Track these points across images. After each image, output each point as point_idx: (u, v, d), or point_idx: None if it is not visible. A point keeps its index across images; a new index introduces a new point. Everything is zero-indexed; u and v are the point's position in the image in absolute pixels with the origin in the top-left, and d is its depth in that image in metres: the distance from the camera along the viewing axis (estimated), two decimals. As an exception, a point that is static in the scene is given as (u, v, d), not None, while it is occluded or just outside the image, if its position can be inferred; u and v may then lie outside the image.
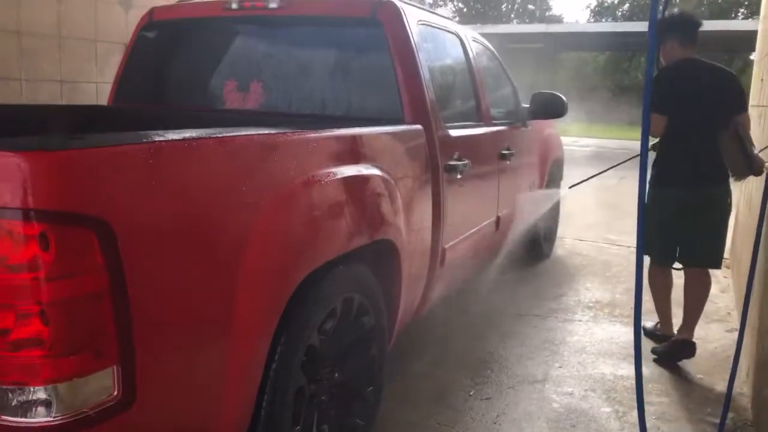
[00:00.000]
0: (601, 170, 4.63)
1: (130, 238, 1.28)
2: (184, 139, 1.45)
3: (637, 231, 1.99)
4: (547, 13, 44.21)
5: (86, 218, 1.21)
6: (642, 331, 3.69)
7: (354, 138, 2.18)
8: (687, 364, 3.35)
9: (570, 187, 4.92)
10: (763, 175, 2.91)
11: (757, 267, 2.79)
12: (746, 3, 30.35)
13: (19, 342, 1.18)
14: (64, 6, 4.78)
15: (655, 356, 3.41)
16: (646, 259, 3.57)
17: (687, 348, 3.33)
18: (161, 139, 1.39)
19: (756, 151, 3.05)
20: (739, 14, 33.05)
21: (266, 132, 1.73)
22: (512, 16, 43.91)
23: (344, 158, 2.08)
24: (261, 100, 3.05)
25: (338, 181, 1.98)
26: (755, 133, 3.52)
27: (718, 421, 2.77)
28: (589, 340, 3.68)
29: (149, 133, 1.40)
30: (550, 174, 5.06)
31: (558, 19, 44.31)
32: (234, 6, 3.10)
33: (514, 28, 26.37)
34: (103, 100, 5.09)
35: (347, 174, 2.04)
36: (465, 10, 43.23)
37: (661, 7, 3.21)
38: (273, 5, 3.03)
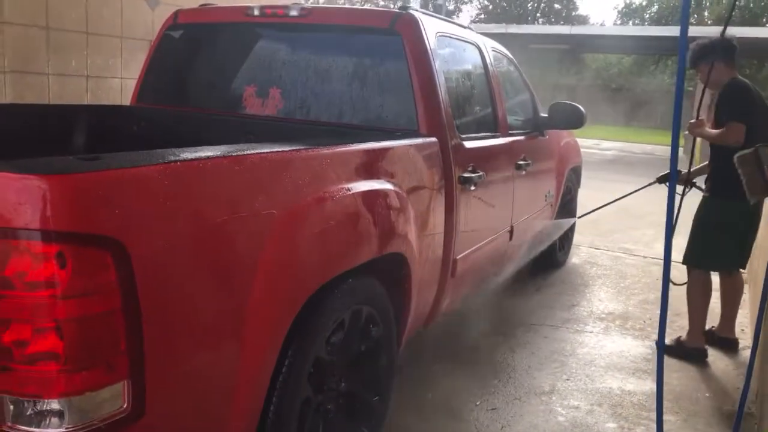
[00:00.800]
0: (614, 199, 4.70)
1: (144, 257, 1.32)
2: (198, 159, 1.49)
3: (665, 242, 2.03)
4: (573, 13, 43.76)
5: (101, 239, 1.26)
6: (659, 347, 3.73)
7: (367, 153, 2.21)
8: (694, 382, 3.35)
9: (579, 217, 4.94)
10: None
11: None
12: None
13: (35, 356, 1.23)
14: (92, 2, 4.86)
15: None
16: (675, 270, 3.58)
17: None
18: (175, 159, 1.44)
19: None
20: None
21: (279, 149, 1.77)
22: (538, 15, 43.54)
23: (357, 174, 2.11)
24: (279, 107, 3.09)
25: (350, 197, 2.02)
26: None
27: (724, 442, 2.78)
28: (599, 352, 3.68)
29: (164, 153, 1.44)
30: (567, 182, 5.04)
31: (584, 20, 43.87)
32: (256, 13, 3.14)
33: (539, 29, 26.16)
34: (128, 95, 5.18)
35: (359, 189, 2.08)
36: (491, 7, 42.95)
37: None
38: (294, 14, 3.07)
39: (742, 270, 3.81)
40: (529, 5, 42.97)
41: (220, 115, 3.19)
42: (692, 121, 3.59)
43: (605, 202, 5.02)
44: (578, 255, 5.82)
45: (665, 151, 19.55)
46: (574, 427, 2.86)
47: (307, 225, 1.81)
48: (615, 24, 40.56)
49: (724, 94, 3.39)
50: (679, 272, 5.43)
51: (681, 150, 17.79)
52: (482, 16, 43.43)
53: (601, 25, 36.73)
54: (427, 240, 2.64)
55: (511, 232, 3.77)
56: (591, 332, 4.00)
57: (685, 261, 3.72)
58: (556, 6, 43.42)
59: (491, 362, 3.47)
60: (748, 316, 4.22)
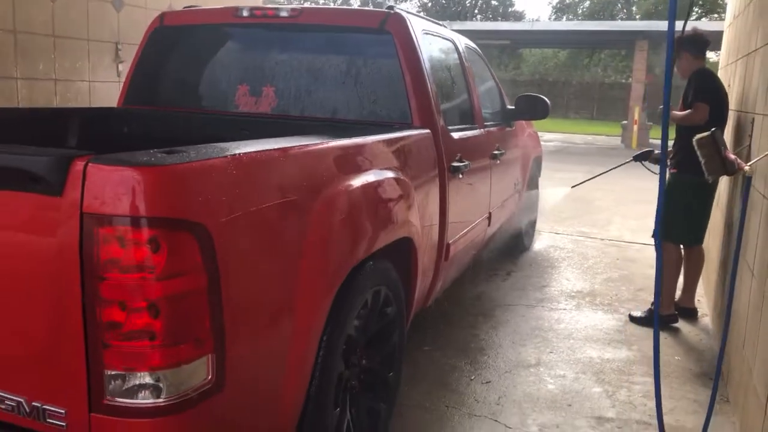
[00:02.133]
0: (605, 170, 4.97)
1: (223, 239, 1.45)
2: (256, 151, 1.62)
3: (655, 220, 2.25)
4: (510, 9, 44.79)
5: (189, 223, 1.38)
6: (631, 319, 4.03)
7: (382, 144, 2.38)
8: (665, 347, 3.65)
9: (573, 187, 5.21)
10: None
11: (723, 258, 3.08)
12: (700, 2, 31.32)
13: (134, 333, 1.35)
14: (58, 5, 4.82)
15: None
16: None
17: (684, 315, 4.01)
18: (240, 151, 1.57)
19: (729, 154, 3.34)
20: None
21: (316, 141, 1.91)
22: (476, 11, 44.36)
23: (375, 163, 2.27)
24: (273, 105, 3.21)
25: (371, 185, 2.18)
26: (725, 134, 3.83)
27: (696, 397, 3.06)
28: (575, 327, 3.95)
29: (228, 146, 1.57)
30: (531, 171, 5.32)
31: (520, 16, 44.98)
32: (245, 14, 3.25)
33: (481, 25, 26.76)
34: (96, 98, 5.18)
35: (378, 178, 2.24)
36: (429, 4, 43.49)
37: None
38: (284, 14, 3.19)
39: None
40: (467, 2, 43.70)
41: (213, 114, 3.28)
42: (660, 107, 3.90)
43: (591, 176, 5.27)
44: (541, 240, 6.13)
45: (605, 141, 20.40)
46: (565, 393, 3.10)
47: (339, 211, 1.96)
48: (550, 19, 41.77)
49: (692, 79, 3.72)
50: (636, 251, 5.82)
51: (620, 139, 18.58)
52: (421, 13, 43.87)
53: (537, 20, 37.72)
54: (427, 225, 2.82)
55: (489, 218, 3.99)
56: (565, 309, 4.27)
57: (657, 235, 4.02)
58: (494, 2, 44.31)
59: (477, 341, 3.68)
60: (702, 288, 4.58)
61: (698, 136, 3.36)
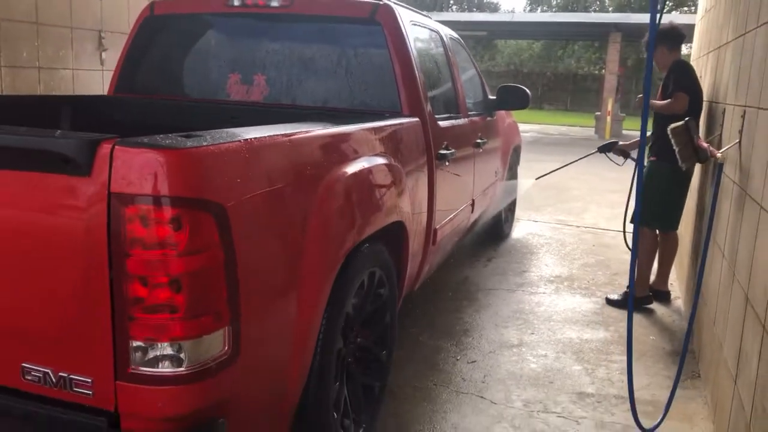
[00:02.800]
0: (570, 161, 5.10)
1: (237, 219, 1.54)
2: (266, 136, 1.71)
3: (634, 211, 2.36)
4: (484, 0, 44.98)
5: (208, 203, 1.47)
6: (608, 302, 4.20)
7: (376, 131, 2.47)
8: (640, 327, 3.82)
9: (537, 179, 5.35)
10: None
11: (696, 243, 3.24)
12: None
13: (158, 307, 1.43)
14: (41, -8, 4.80)
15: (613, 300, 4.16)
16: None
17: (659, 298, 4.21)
18: (250, 136, 1.65)
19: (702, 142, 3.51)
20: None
21: (319, 128, 2.00)
22: (451, 2, 44.47)
23: (370, 149, 2.37)
24: (265, 94, 3.28)
25: (367, 170, 2.28)
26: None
27: (669, 373, 3.23)
28: (555, 309, 4.11)
29: (240, 131, 1.66)
30: (510, 160, 5.46)
31: (495, 7, 45.21)
32: (236, 3, 3.30)
33: (459, 16, 26.89)
34: (79, 86, 5.17)
35: (374, 163, 2.34)
36: (404, -6, 43.40)
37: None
38: (274, 4, 3.25)
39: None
40: (442, -8, 43.80)
41: (204, 103, 3.33)
42: (640, 95, 4.06)
43: (558, 166, 5.44)
44: (520, 228, 6.29)
45: (579, 132, 20.72)
46: (547, 371, 3.24)
47: (340, 195, 2.06)
48: (524, 11, 42.06)
49: (671, 70, 3.88)
50: (611, 238, 6.00)
51: (593, 130, 18.87)
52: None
53: (512, 11, 37.96)
54: (416, 211, 2.92)
55: (473, 204, 4.12)
56: (544, 293, 4.42)
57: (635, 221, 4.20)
58: (469, -7, 44.50)
59: (461, 323, 3.82)
60: (675, 272, 4.77)
61: (673, 125, 3.52)
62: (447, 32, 4.15)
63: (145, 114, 3.31)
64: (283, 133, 1.82)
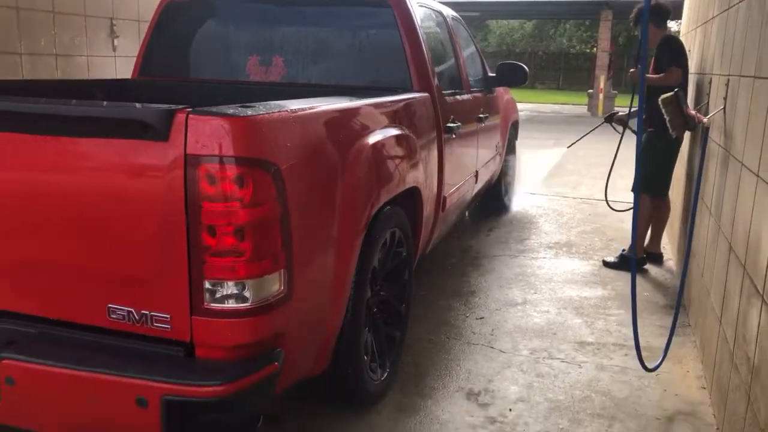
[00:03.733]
0: (590, 129, 5.31)
1: (289, 177, 1.79)
2: (309, 107, 1.96)
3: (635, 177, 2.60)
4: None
5: (267, 163, 1.72)
6: (604, 263, 4.48)
7: (395, 104, 2.73)
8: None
9: (568, 147, 5.57)
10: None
11: (685, 207, 3.51)
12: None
13: (227, 251, 1.68)
14: (57, -19, 5.00)
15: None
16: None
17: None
18: (296, 107, 1.90)
19: (690, 111, 3.77)
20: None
21: (349, 101, 2.25)
22: (442, -18, 44.33)
23: (391, 121, 2.62)
24: (283, 74, 3.51)
25: (390, 139, 2.53)
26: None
27: (662, 323, 3.52)
28: (555, 272, 4.39)
29: (286, 103, 1.91)
30: (509, 135, 5.72)
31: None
32: (254, -13, 3.52)
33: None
34: (94, 72, 5.38)
35: (394, 133, 2.59)
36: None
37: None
38: None
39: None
40: (432, -27, 43.55)
41: (225, 84, 3.56)
42: (632, 70, 4.32)
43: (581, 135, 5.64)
44: (519, 200, 6.55)
45: (571, 109, 20.97)
46: (550, 324, 3.52)
47: (368, 160, 2.31)
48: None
49: (663, 46, 4.13)
50: (606, 207, 6.27)
51: (586, 108, 19.08)
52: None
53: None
54: (428, 179, 3.18)
55: (476, 176, 4.38)
56: (545, 258, 4.70)
57: (635, 189, 4.48)
58: (459, -27, 44.30)
59: (468, 286, 4.09)
60: (667, 235, 5.05)
61: (663, 96, 3.78)
62: (449, 13, 4.38)
63: (169, 94, 3.53)
64: (320, 104, 2.07)
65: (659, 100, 3.78)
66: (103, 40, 5.55)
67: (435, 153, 3.32)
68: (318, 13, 3.56)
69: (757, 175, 2.22)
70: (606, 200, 4.98)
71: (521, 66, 4.81)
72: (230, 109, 1.71)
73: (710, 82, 3.63)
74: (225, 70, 3.68)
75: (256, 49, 3.59)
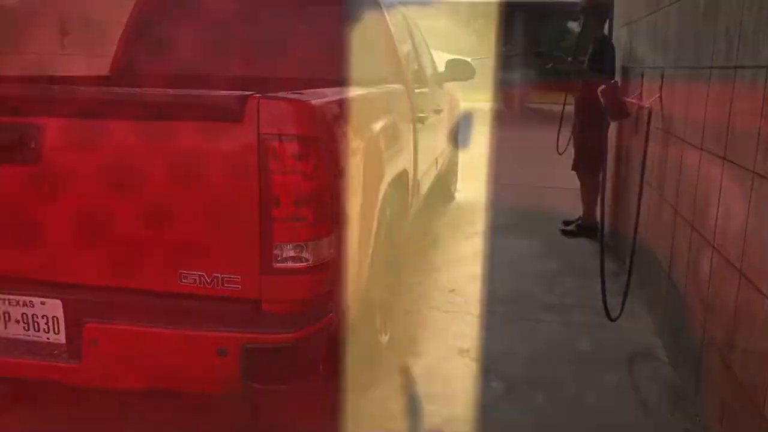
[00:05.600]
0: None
1: (334, 152, 2.07)
2: (338, 98, 2.25)
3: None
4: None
5: (321, 140, 1.99)
6: (562, 232, 4.98)
7: (389, 93, 3.04)
8: (586, 257, 4.58)
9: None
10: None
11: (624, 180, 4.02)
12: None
13: (291, 217, 1.94)
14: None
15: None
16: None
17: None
18: (331, 97, 2.19)
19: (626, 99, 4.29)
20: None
21: (365, 90, 2.55)
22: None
23: (388, 109, 2.94)
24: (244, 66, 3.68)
25: (392, 124, 2.85)
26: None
27: (615, 287, 4.00)
28: (511, 249, 4.83)
29: (327, 91, 2.19)
30: (456, 127, 6.14)
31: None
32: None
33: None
34: (47, 70, 5.32)
35: (391, 120, 2.91)
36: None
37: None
38: None
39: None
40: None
41: (197, 77, 3.72)
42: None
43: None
44: (461, 190, 7.00)
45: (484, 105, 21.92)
46: (515, 293, 3.94)
47: (376, 145, 2.62)
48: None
49: (597, 46, 4.69)
50: (548, 192, 6.79)
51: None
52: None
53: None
54: (410, 163, 3.51)
55: (436, 163, 4.75)
56: (497, 237, 5.13)
57: (577, 168, 5.00)
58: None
59: (432, 264, 4.47)
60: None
61: (601, 87, 4.28)
62: (403, 12, 4.72)
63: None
64: (348, 92, 2.36)
65: (598, 90, 4.28)
66: (53, 38, 5.50)
67: (411, 140, 3.64)
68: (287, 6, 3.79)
69: (701, 149, 2.69)
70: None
71: (468, 62, 5.22)
72: (291, 95, 1.97)
73: (642, 75, 4.15)
74: (194, 63, 3.79)
75: (220, 41, 3.73)
